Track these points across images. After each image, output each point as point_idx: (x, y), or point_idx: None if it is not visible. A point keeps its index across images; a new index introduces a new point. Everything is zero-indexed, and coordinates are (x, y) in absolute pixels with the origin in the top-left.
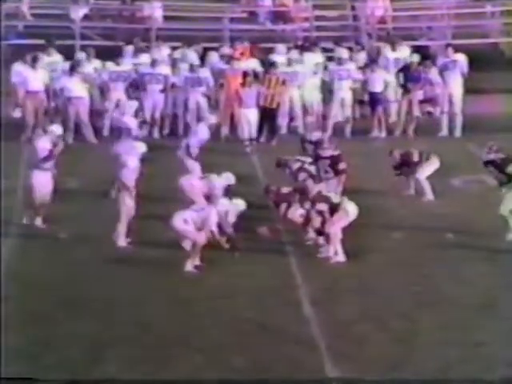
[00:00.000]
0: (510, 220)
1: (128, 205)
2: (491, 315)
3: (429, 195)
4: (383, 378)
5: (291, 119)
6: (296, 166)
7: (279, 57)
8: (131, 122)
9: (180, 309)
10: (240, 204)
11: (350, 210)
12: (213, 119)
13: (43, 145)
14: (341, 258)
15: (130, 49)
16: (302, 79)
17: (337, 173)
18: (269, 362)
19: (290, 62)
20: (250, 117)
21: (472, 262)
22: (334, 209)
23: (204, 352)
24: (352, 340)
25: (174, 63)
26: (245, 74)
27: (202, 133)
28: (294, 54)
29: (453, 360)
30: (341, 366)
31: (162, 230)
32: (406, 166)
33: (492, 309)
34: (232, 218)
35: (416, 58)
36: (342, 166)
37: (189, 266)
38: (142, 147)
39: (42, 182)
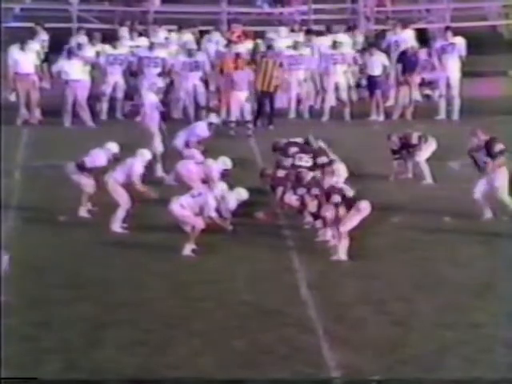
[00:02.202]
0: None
1: (122, 195)
2: (488, 297)
3: (428, 179)
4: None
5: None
6: (293, 150)
7: (281, 40)
8: (152, 98)
9: (179, 292)
10: (242, 193)
11: (362, 206)
12: (214, 119)
13: (100, 160)
14: (343, 256)
15: (124, 30)
16: (308, 63)
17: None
18: (267, 345)
19: (296, 46)
20: (241, 99)
21: (469, 245)
22: (349, 204)
23: (203, 335)
24: (350, 323)
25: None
26: (237, 56)
27: (200, 130)
28: (300, 37)
29: (450, 342)
30: (338, 349)
31: (160, 214)
32: (405, 149)
33: (489, 291)
34: (233, 206)
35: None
36: (320, 160)
37: (187, 250)
38: (147, 154)
39: (90, 183)
